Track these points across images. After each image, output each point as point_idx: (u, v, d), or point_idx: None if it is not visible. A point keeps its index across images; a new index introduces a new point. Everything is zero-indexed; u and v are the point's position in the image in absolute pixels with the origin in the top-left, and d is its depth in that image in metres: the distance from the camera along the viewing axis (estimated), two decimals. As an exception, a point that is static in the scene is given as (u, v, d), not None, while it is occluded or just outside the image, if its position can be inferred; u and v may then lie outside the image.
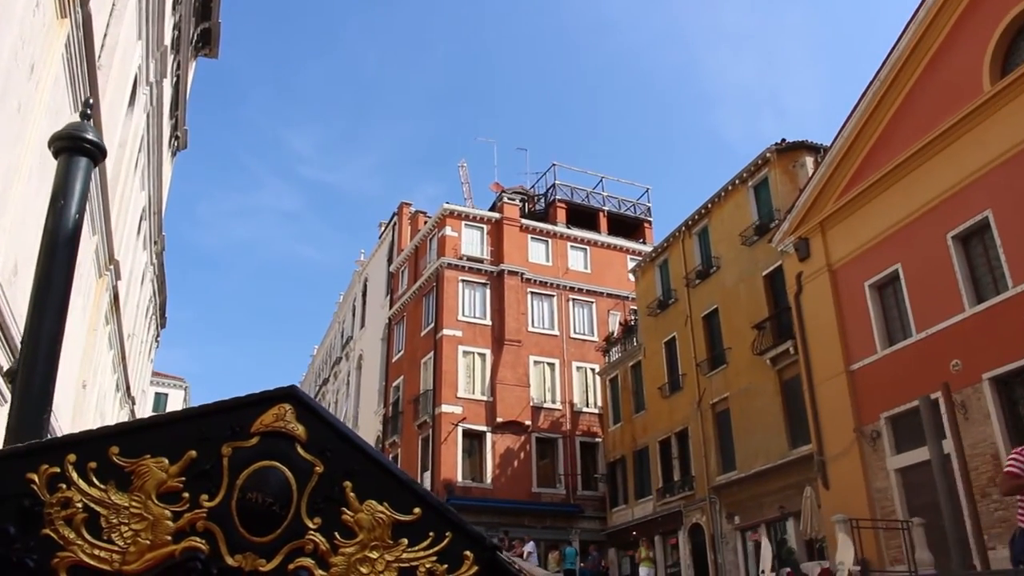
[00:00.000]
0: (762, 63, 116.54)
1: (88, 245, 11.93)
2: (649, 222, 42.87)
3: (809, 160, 25.99)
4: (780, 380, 24.47)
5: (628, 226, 42.35)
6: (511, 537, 28.71)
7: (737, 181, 27.73)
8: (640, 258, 37.11)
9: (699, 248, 29.46)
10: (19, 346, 3.41)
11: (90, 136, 3.43)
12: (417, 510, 2.53)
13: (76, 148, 3.48)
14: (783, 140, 26.33)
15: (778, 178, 26.08)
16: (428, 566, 2.47)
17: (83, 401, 13.13)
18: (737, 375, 26.08)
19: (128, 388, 19.84)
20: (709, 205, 28.98)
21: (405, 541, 2.50)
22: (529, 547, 25.75)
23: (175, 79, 20.99)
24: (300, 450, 2.53)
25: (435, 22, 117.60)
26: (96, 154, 3.52)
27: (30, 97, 7.77)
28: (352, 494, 2.52)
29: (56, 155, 3.50)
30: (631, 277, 37.76)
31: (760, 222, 26.23)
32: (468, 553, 2.51)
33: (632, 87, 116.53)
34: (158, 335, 28.58)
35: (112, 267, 13.80)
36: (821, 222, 22.84)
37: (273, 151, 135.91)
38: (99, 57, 10.99)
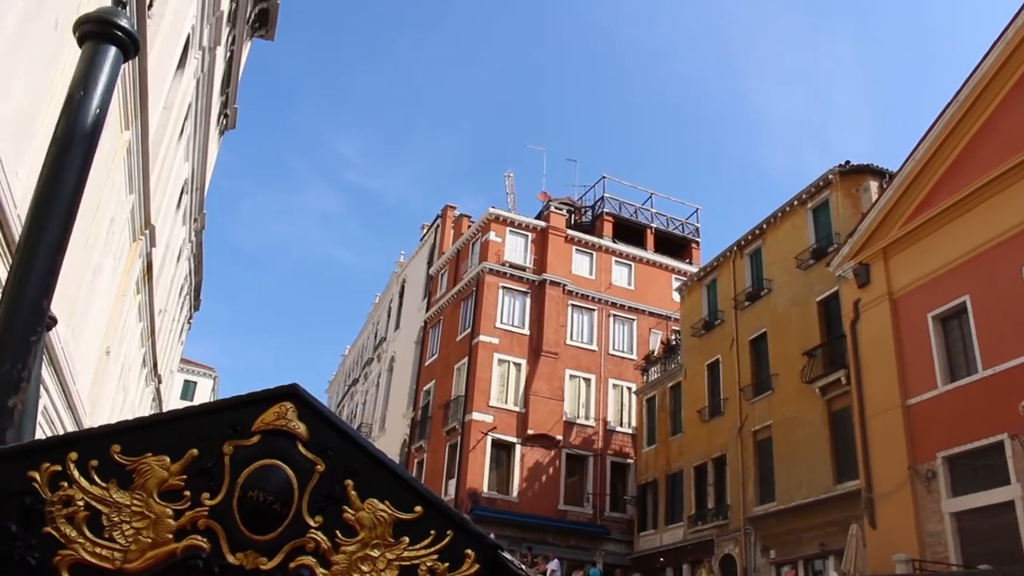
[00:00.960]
0: (810, 98, 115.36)
1: (124, 204, 11.35)
2: (697, 242, 41.84)
3: (873, 184, 24.93)
4: (828, 411, 23.36)
5: (675, 245, 41.35)
6: (535, 553, 27.78)
7: (796, 202, 26.73)
8: (685, 278, 36.19)
9: (750, 269, 28.45)
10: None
11: (123, 23, 2.74)
12: (418, 508, 2.54)
13: (105, 34, 2.78)
14: (847, 162, 25.32)
15: (839, 201, 25.04)
16: (429, 564, 2.48)
17: (105, 368, 12.54)
18: (782, 403, 24.98)
19: (155, 365, 19.31)
20: (764, 226, 27.98)
21: (406, 539, 2.51)
22: (553, 564, 24.78)
23: (228, 54, 20.57)
24: (301, 448, 2.53)
25: (488, 38, 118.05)
26: (128, 45, 2.82)
27: (69, 19, 7.14)
28: (353, 492, 2.53)
29: (81, 42, 2.82)
30: (676, 296, 36.86)
31: (818, 245, 25.19)
32: (469, 552, 2.51)
33: (681, 114, 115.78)
34: (191, 317, 28.16)
35: (148, 233, 13.23)
36: (884, 248, 21.79)
37: (318, 153, 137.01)
38: (150, 4, 10.42)
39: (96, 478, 2.38)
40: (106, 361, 12.49)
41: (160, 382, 21.25)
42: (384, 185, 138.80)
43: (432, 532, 2.53)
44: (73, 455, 2.37)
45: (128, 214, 11.76)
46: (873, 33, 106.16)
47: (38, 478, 2.32)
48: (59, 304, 8.54)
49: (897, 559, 16.68)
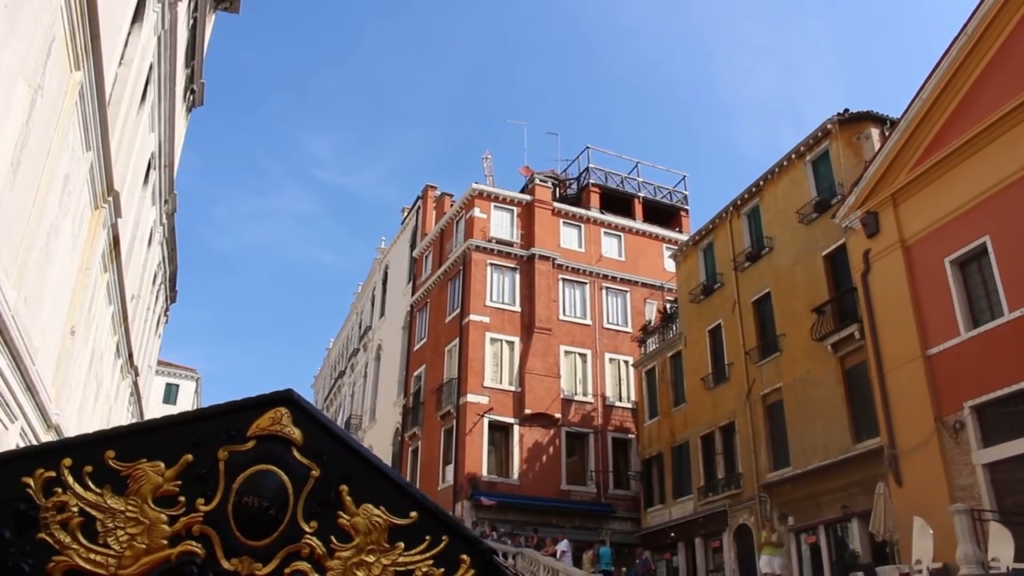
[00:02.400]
0: (781, 75, 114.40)
1: (80, 161, 10.09)
2: (686, 210, 40.76)
3: (875, 132, 23.96)
4: (842, 368, 22.39)
5: (664, 214, 40.26)
6: (540, 536, 26.69)
7: (793, 156, 25.69)
8: (677, 247, 35.18)
9: (749, 229, 27.43)
10: None
11: None
12: (414, 514, 2.65)
13: None
14: (846, 110, 24.32)
15: (840, 151, 24.03)
16: (425, 570, 2.60)
17: (72, 350, 11.26)
18: (792, 364, 24.00)
19: (131, 356, 18.00)
20: (761, 183, 26.94)
21: (402, 545, 2.61)
22: (563, 546, 23.68)
23: (191, 21, 19.24)
24: (296, 454, 2.63)
25: (453, 30, 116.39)
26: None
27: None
28: (349, 498, 2.63)
29: None
30: (670, 264, 35.85)
31: (820, 198, 24.18)
32: (465, 557, 2.63)
33: (651, 97, 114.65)
34: (167, 309, 26.78)
35: (112, 202, 11.94)
36: (893, 194, 20.78)
37: (290, 154, 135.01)
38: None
39: (90, 484, 2.40)
40: (72, 343, 11.22)
41: (137, 375, 19.92)
42: (358, 183, 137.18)
43: (427, 537, 2.59)
44: (67, 461, 2.38)
45: (86, 174, 10.48)
46: (841, 8, 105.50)
47: (32, 484, 2.33)
48: (3, 259, 7.31)
49: (954, 509, 15.65)
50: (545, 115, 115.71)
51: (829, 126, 24.37)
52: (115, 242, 13.15)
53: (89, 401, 13.73)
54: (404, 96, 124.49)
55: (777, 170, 26.29)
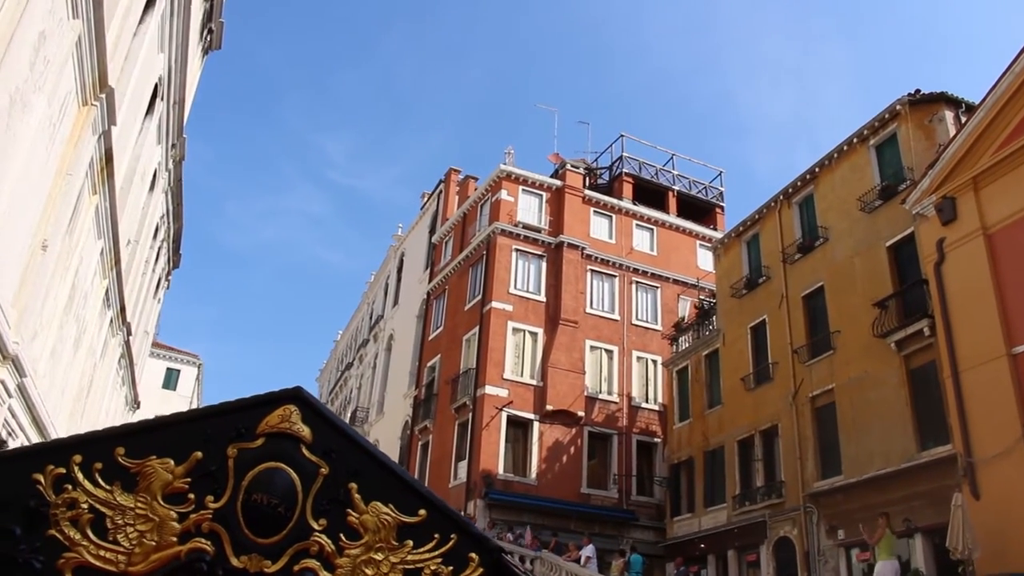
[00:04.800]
0: (799, 96, 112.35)
1: (63, 25, 8.16)
2: (722, 207, 38.63)
3: (949, 115, 21.91)
4: (906, 368, 20.29)
5: (699, 210, 38.13)
6: (560, 540, 24.61)
7: (855, 140, 23.65)
8: (711, 244, 33.19)
9: (801, 219, 25.38)
10: None
11: None
12: (422, 512, 2.67)
13: None
14: (917, 91, 22.29)
15: (910, 133, 22.00)
16: (433, 568, 2.61)
17: (42, 270, 9.30)
18: (847, 363, 21.90)
19: (123, 311, 16.04)
20: (816, 169, 24.91)
21: (410, 543, 2.63)
22: (588, 551, 21.58)
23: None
24: (305, 451, 2.64)
25: (473, 39, 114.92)
26: None
27: None
28: (358, 496, 2.64)
29: None
30: (707, 259, 33.92)
31: (885, 184, 22.14)
32: (473, 555, 2.65)
33: (667, 112, 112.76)
34: (169, 272, 24.85)
35: (104, 100, 10.00)
36: (975, 178, 18.76)
37: (305, 154, 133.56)
38: None
39: (100, 480, 2.43)
40: (43, 261, 9.26)
41: (130, 334, 17.97)
42: (370, 186, 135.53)
43: (436, 536, 2.65)
44: (77, 457, 2.42)
45: (71, 48, 8.55)
46: (861, 32, 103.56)
47: (42, 480, 2.36)
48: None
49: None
50: (563, 125, 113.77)
51: (898, 107, 22.35)
52: (108, 158, 11.21)
53: (66, 346, 11.79)
54: (420, 100, 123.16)
55: (836, 155, 24.26)
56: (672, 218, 36.04)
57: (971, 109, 21.00)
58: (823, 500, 21.67)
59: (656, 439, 31.25)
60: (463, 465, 29.14)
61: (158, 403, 53.16)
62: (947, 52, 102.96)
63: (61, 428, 12.52)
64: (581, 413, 30.01)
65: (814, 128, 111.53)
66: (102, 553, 2.34)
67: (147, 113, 15.10)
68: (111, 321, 15.53)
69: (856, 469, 20.75)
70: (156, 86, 14.87)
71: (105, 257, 13.27)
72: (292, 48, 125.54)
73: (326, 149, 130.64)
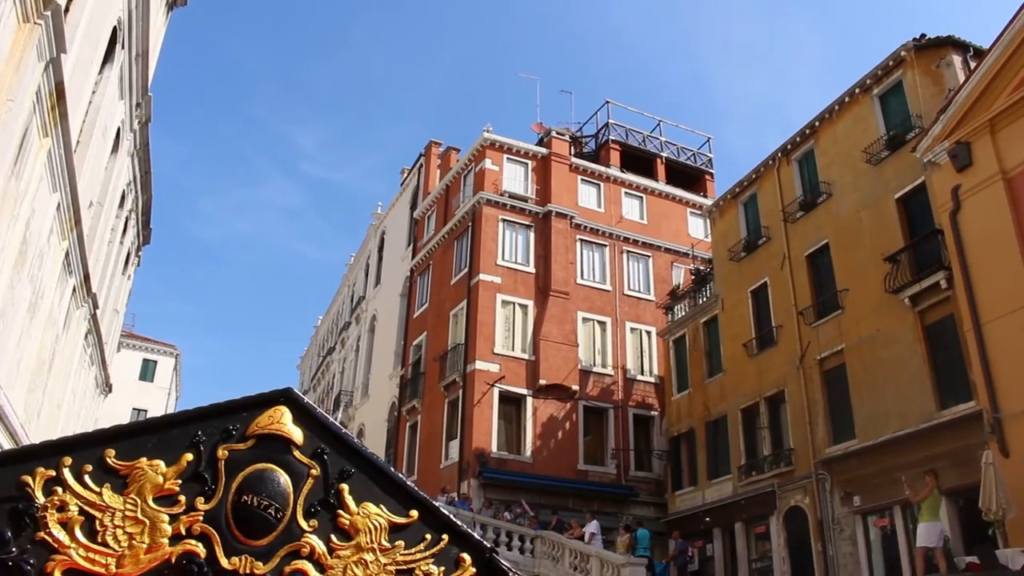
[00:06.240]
0: (771, 78, 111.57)
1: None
2: (711, 174, 37.55)
3: (957, 59, 20.91)
4: (921, 324, 19.33)
5: (688, 176, 37.03)
6: (561, 518, 23.56)
7: (857, 91, 22.62)
8: (701, 211, 32.18)
9: (801, 176, 24.36)
10: None
11: None
12: (413, 512, 2.65)
13: None
14: (922, 35, 21.25)
15: (917, 80, 20.98)
16: (425, 568, 2.59)
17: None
18: (856, 322, 20.93)
19: (87, 280, 14.70)
20: (816, 124, 23.86)
21: (401, 543, 2.61)
22: (592, 527, 20.56)
23: None
24: (296, 453, 2.61)
25: (443, 27, 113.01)
26: None
27: None
28: (348, 497, 2.61)
29: None
30: (696, 228, 33.00)
31: (892, 134, 21.13)
32: (465, 556, 2.64)
33: (643, 98, 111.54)
34: (139, 248, 23.42)
35: (49, 17, 8.70)
36: (991, 119, 17.75)
37: (277, 147, 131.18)
38: None
39: (90, 483, 2.36)
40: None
41: (96, 307, 16.62)
42: (345, 177, 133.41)
43: (427, 536, 2.64)
44: (67, 460, 2.35)
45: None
46: (830, 12, 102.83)
47: (31, 483, 2.28)
48: None
49: None
50: (534, 110, 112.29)
51: (903, 53, 21.32)
52: (59, 93, 9.89)
53: (19, 309, 10.48)
54: (392, 91, 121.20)
55: (837, 108, 23.22)
56: (661, 185, 34.95)
57: (980, 53, 20.05)
58: (836, 466, 20.72)
59: (653, 412, 30.25)
60: (454, 444, 28.01)
61: (136, 395, 51.72)
62: (913, 23, 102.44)
63: (18, 402, 11.24)
64: (575, 387, 28.94)
65: (785, 108, 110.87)
66: (92, 555, 2.31)
67: (106, 60, 13.74)
68: (74, 289, 14.19)
69: (870, 432, 19.81)
70: (115, 30, 13.51)
71: (63, 214, 11.95)
72: (261, 42, 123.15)
73: (299, 141, 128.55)
